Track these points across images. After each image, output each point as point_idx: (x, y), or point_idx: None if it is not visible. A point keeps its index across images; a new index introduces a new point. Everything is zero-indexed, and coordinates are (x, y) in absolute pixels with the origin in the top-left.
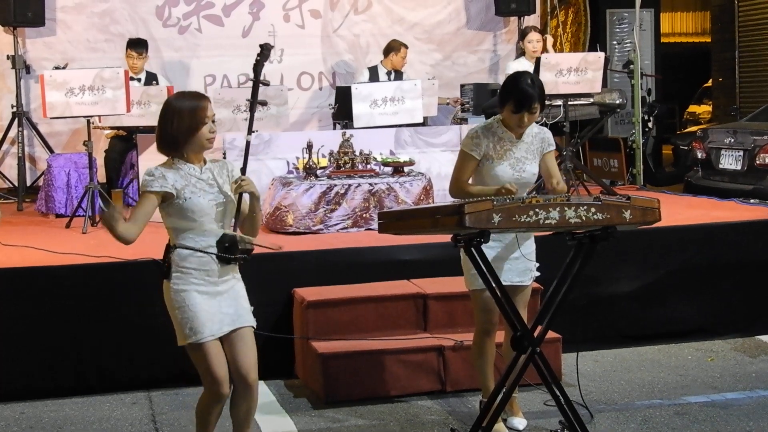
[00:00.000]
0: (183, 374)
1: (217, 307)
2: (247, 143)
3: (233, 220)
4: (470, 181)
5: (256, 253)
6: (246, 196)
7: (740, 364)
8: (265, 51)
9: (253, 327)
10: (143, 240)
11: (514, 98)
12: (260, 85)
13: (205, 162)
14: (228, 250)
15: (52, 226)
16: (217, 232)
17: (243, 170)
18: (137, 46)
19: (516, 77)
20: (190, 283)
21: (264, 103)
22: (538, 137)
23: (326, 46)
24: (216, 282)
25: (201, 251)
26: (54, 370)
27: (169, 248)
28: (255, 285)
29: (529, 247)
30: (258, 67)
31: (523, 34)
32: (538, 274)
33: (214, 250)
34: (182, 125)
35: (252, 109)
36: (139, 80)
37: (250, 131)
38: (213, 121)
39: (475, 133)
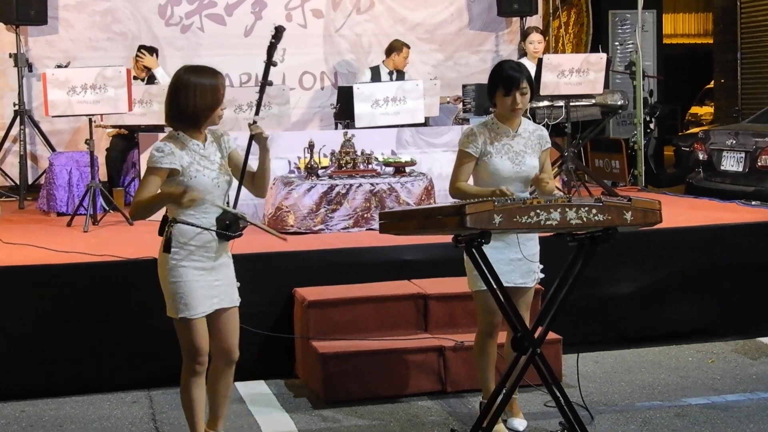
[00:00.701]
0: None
1: (210, 282)
2: (254, 123)
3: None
4: (471, 179)
5: (257, 252)
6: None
7: (741, 366)
8: (278, 33)
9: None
10: (143, 239)
11: (502, 81)
12: (271, 66)
13: (206, 137)
14: (228, 228)
15: (53, 224)
16: (216, 209)
17: (246, 154)
18: (149, 52)
19: (499, 64)
20: (189, 260)
21: (270, 83)
22: (535, 134)
23: (328, 45)
24: (213, 257)
25: (202, 228)
26: (54, 369)
27: (167, 220)
28: (256, 284)
29: (533, 248)
30: (271, 48)
31: (525, 34)
32: (542, 275)
33: (214, 226)
34: (204, 102)
35: (262, 90)
36: (142, 80)
37: (257, 112)
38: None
39: (471, 131)
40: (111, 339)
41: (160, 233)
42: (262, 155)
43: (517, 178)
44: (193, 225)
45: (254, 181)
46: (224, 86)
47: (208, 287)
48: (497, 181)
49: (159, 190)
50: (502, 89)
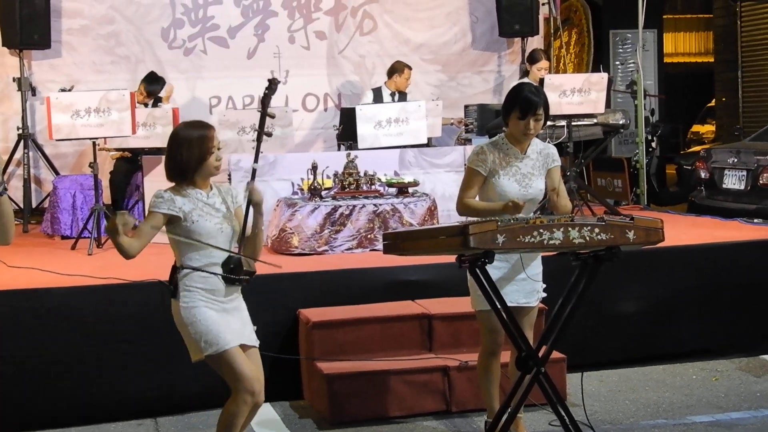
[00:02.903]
0: (189, 398)
1: (227, 322)
2: (254, 171)
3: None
4: (477, 198)
5: (261, 274)
6: (250, 216)
7: (745, 383)
8: (272, 85)
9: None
10: (148, 261)
11: (519, 105)
12: (267, 117)
13: (211, 188)
14: (233, 271)
15: (57, 247)
16: (222, 254)
17: (246, 212)
18: (155, 83)
19: (519, 87)
20: (198, 300)
21: (269, 134)
22: (543, 153)
23: (331, 67)
24: (222, 301)
25: (207, 272)
26: (58, 396)
27: (176, 269)
28: (261, 306)
29: (536, 268)
30: (266, 99)
31: (533, 59)
32: (544, 295)
33: (220, 271)
34: (191, 155)
35: (259, 140)
36: (145, 105)
37: (256, 159)
38: (219, 149)
39: (481, 149)
40: (116, 363)
41: (170, 282)
42: (256, 219)
43: (524, 200)
44: (198, 270)
45: (247, 241)
46: (213, 138)
47: (226, 325)
48: (503, 201)
49: (149, 232)
50: (517, 112)
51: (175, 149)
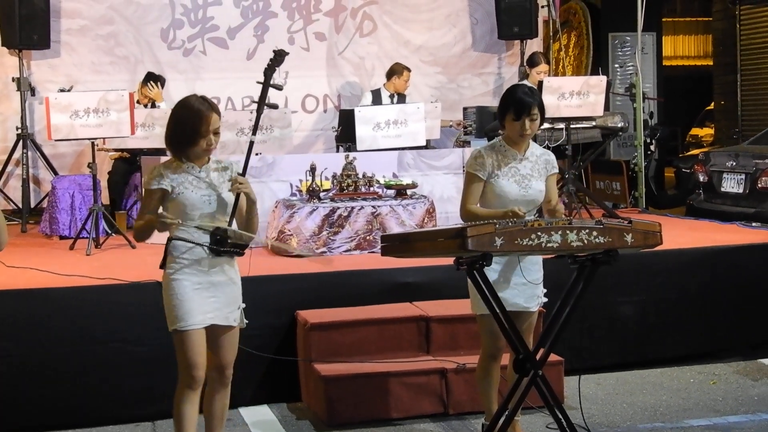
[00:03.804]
0: None
1: (206, 297)
2: (251, 143)
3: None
4: (478, 202)
5: (259, 275)
6: (243, 198)
7: (742, 387)
8: (278, 56)
9: (244, 326)
10: (146, 262)
11: (513, 106)
12: (275, 88)
13: (208, 161)
14: (219, 243)
15: (56, 247)
16: (209, 225)
17: (243, 172)
18: (156, 82)
19: (512, 88)
20: (183, 273)
21: (275, 106)
22: (542, 158)
23: (331, 68)
24: (207, 272)
25: (193, 242)
26: (56, 394)
27: (168, 240)
28: (259, 307)
29: (537, 273)
30: (269, 71)
31: (532, 62)
32: (545, 300)
33: (207, 242)
34: (184, 132)
35: (259, 111)
36: (144, 106)
37: (254, 132)
38: (216, 133)
39: (479, 153)
40: (114, 365)
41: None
42: (248, 206)
43: (524, 201)
44: (184, 240)
45: (239, 226)
46: (208, 122)
47: (202, 302)
48: (504, 203)
49: (159, 209)
50: (512, 113)
51: (173, 121)
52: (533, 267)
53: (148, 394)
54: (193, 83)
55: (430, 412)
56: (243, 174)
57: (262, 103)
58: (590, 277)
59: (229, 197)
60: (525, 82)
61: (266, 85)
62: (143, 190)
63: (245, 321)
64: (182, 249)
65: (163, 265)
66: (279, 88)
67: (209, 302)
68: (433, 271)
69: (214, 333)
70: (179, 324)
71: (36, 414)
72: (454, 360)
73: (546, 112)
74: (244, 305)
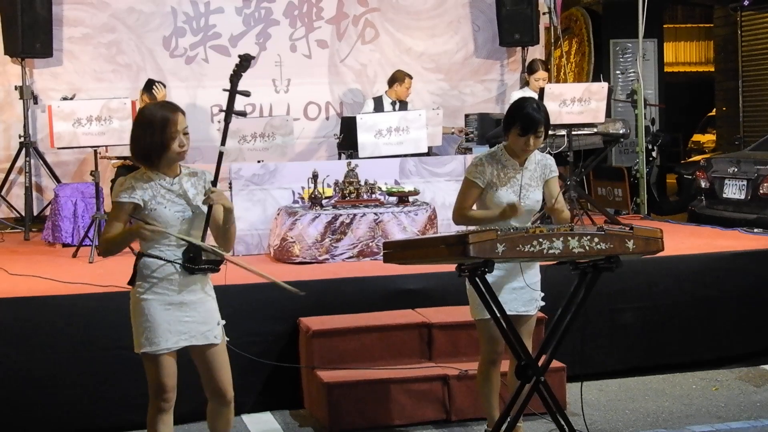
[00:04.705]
0: (190, 408)
1: (179, 318)
2: (220, 154)
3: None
4: (474, 208)
5: (261, 283)
6: (219, 208)
7: (745, 393)
8: (244, 62)
9: (227, 341)
10: None
11: (520, 122)
12: (242, 94)
13: (180, 171)
14: (192, 260)
15: (58, 255)
16: (181, 243)
17: (214, 182)
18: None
19: (521, 102)
20: (152, 293)
21: (243, 114)
22: (540, 164)
23: (333, 75)
24: (178, 291)
25: (164, 260)
26: (59, 401)
27: (138, 255)
28: (261, 314)
29: (534, 276)
30: (235, 77)
31: (531, 69)
32: (543, 303)
33: (180, 260)
34: (153, 140)
35: (227, 120)
36: None
37: (223, 141)
38: (185, 134)
39: (480, 160)
40: (116, 372)
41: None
42: (225, 215)
43: (521, 211)
44: (155, 257)
45: (217, 236)
46: (176, 123)
47: (174, 322)
48: None
49: (124, 224)
50: (518, 128)
51: (137, 130)
52: (530, 271)
53: (148, 401)
54: (195, 91)
55: (433, 419)
56: (214, 184)
57: (229, 111)
58: (592, 284)
59: (204, 208)
60: (526, 89)
61: (233, 92)
62: (112, 202)
63: (226, 338)
64: (153, 267)
65: (132, 282)
66: (246, 94)
67: (183, 322)
68: (435, 278)
69: (201, 355)
70: (150, 348)
71: (38, 421)
72: (457, 366)
73: (548, 116)
74: (224, 321)
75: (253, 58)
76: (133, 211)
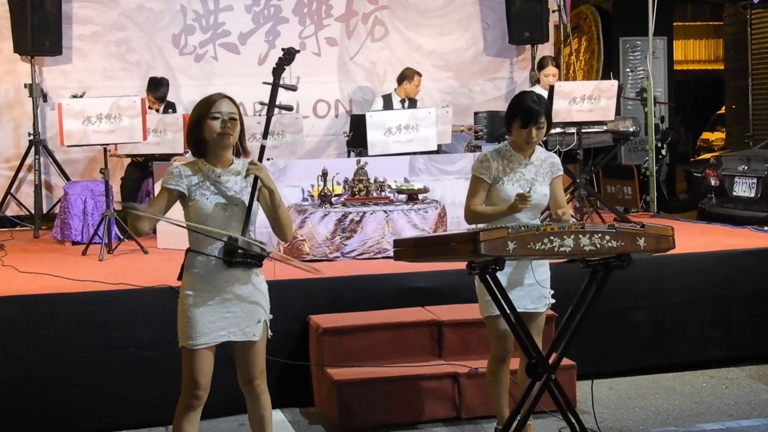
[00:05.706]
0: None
1: (220, 314)
2: (262, 147)
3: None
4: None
5: (271, 280)
6: (265, 194)
7: (755, 391)
8: (288, 55)
9: (269, 337)
10: (159, 267)
11: (521, 114)
12: (288, 89)
13: (232, 162)
14: (229, 254)
15: (68, 253)
16: (222, 235)
17: (252, 193)
18: (157, 87)
19: (520, 95)
20: (194, 288)
21: (289, 108)
22: (547, 161)
23: (342, 73)
24: (220, 286)
25: (205, 254)
26: (69, 399)
27: (186, 251)
28: (271, 312)
29: (544, 274)
30: (278, 70)
31: (540, 65)
32: (552, 301)
33: (221, 254)
34: (192, 124)
35: (269, 114)
36: (156, 110)
37: (265, 135)
38: (232, 119)
39: (485, 157)
40: (127, 370)
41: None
42: (270, 197)
43: (530, 202)
44: (198, 252)
45: (271, 224)
46: (215, 104)
47: (216, 318)
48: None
49: (164, 208)
50: (519, 121)
51: (190, 122)
52: (540, 268)
53: (161, 399)
54: (205, 89)
55: (443, 417)
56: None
57: (272, 104)
58: (603, 282)
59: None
60: (536, 86)
61: (276, 85)
62: (161, 187)
63: (270, 333)
64: (195, 261)
65: (180, 277)
66: (293, 88)
67: (223, 319)
68: (446, 275)
69: (237, 349)
70: (188, 342)
71: (48, 420)
72: (467, 364)
73: (557, 117)
74: (271, 316)
75: (298, 51)
76: (175, 198)
